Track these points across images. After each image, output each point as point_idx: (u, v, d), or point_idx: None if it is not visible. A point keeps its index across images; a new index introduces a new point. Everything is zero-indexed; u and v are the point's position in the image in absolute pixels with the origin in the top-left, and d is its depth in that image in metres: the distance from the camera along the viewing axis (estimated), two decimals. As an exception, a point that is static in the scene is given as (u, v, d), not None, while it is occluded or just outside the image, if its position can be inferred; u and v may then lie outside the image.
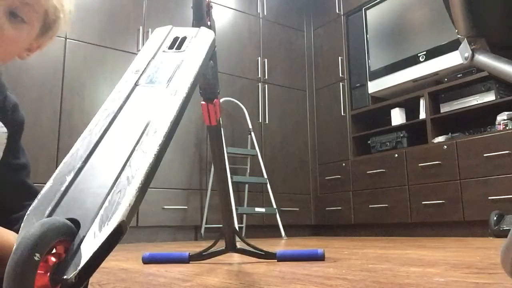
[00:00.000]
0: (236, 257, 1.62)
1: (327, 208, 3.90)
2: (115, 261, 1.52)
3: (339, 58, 4.00)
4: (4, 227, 0.65)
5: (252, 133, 3.62)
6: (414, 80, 3.39)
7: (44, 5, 0.72)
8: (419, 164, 3.18)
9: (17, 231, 0.47)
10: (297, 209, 3.92)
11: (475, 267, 1.12)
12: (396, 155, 3.36)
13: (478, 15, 0.60)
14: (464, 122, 3.17)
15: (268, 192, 3.54)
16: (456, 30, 0.63)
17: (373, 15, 3.78)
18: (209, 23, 0.99)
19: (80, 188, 0.50)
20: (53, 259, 0.43)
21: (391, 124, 3.55)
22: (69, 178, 0.51)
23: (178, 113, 0.61)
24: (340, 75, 3.97)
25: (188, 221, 3.29)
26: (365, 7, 3.84)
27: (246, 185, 3.60)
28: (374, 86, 3.67)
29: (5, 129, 0.75)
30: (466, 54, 0.61)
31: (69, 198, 0.49)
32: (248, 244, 1.45)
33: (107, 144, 0.56)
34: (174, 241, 3.19)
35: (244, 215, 3.53)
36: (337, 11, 4.09)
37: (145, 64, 0.72)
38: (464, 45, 0.62)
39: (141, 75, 0.70)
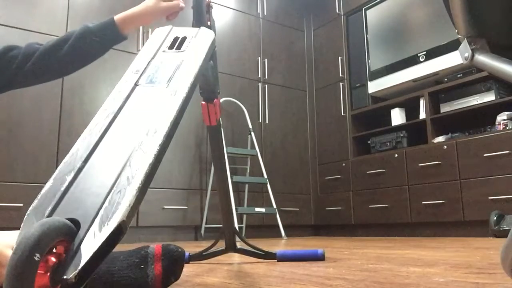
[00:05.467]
0: (236, 257, 1.62)
1: (327, 208, 3.90)
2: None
3: (339, 58, 4.00)
4: None
5: (252, 133, 3.62)
6: (414, 80, 3.39)
7: None
8: (419, 164, 3.18)
9: None
10: (297, 209, 3.92)
11: (475, 267, 1.11)
12: (396, 155, 3.36)
13: (478, 15, 0.60)
14: (464, 122, 3.17)
15: (268, 192, 3.54)
16: (456, 30, 0.63)
17: (373, 15, 3.78)
18: (209, 23, 0.99)
19: (80, 188, 0.50)
20: (53, 259, 0.43)
21: (391, 124, 3.55)
22: (69, 178, 0.51)
23: (178, 113, 0.61)
24: (340, 75, 3.97)
25: (188, 221, 3.29)
26: (365, 7, 3.84)
27: (246, 185, 3.60)
28: (374, 86, 3.67)
29: None
30: (466, 54, 0.61)
31: (69, 198, 0.49)
32: (248, 244, 1.44)
33: (107, 144, 0.56)
34: (174, 241, 3.19)
35: (244, 215, 3.53)
36: (337, 11, 4.09)
37: (145, 64, 0.72)
38: (464, 45, 0.62)
39: (141, 75, 0.70)
